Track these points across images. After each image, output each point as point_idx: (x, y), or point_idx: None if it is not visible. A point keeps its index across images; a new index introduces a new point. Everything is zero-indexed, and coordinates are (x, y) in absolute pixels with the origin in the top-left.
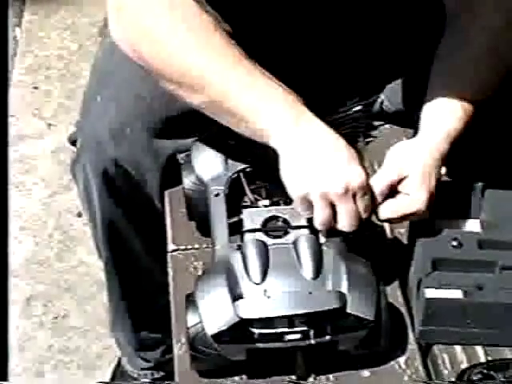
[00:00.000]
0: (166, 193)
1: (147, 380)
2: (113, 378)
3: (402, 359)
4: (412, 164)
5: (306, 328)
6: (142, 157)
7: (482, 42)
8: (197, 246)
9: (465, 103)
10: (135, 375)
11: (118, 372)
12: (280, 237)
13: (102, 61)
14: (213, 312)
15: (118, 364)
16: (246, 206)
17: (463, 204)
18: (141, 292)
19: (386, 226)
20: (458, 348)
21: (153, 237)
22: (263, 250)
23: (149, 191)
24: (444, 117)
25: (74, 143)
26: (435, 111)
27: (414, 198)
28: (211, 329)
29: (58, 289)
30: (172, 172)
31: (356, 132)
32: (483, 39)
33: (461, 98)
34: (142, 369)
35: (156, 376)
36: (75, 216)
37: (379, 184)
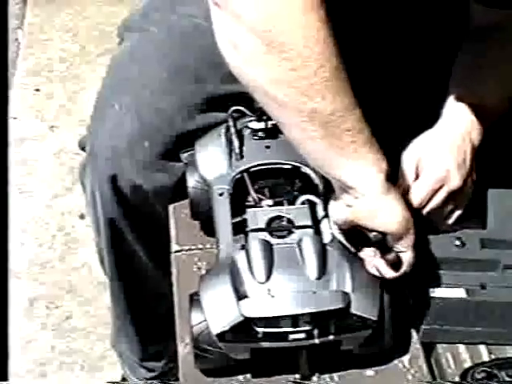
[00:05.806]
0: None
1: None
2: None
3: (405, 358)
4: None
5: (310, 327)
6: (157, 171)
7: None
8: (200, 246)
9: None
10: None
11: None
12: (284, 236)
13: (121, 65)
14: (217, 311)
15: None
16: (250, 206)
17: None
18: (145, 300)
19: None
20: (461, 347)
21: (157, 245)
22: (268, 249)
23: (157, 204)
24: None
25: (83, 148)
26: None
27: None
28: (215, 328)
29: (60, 290)
30: (184, 187)
31: None
32: None
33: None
34: (146, 379)
35: None
36: (78, 218)
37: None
